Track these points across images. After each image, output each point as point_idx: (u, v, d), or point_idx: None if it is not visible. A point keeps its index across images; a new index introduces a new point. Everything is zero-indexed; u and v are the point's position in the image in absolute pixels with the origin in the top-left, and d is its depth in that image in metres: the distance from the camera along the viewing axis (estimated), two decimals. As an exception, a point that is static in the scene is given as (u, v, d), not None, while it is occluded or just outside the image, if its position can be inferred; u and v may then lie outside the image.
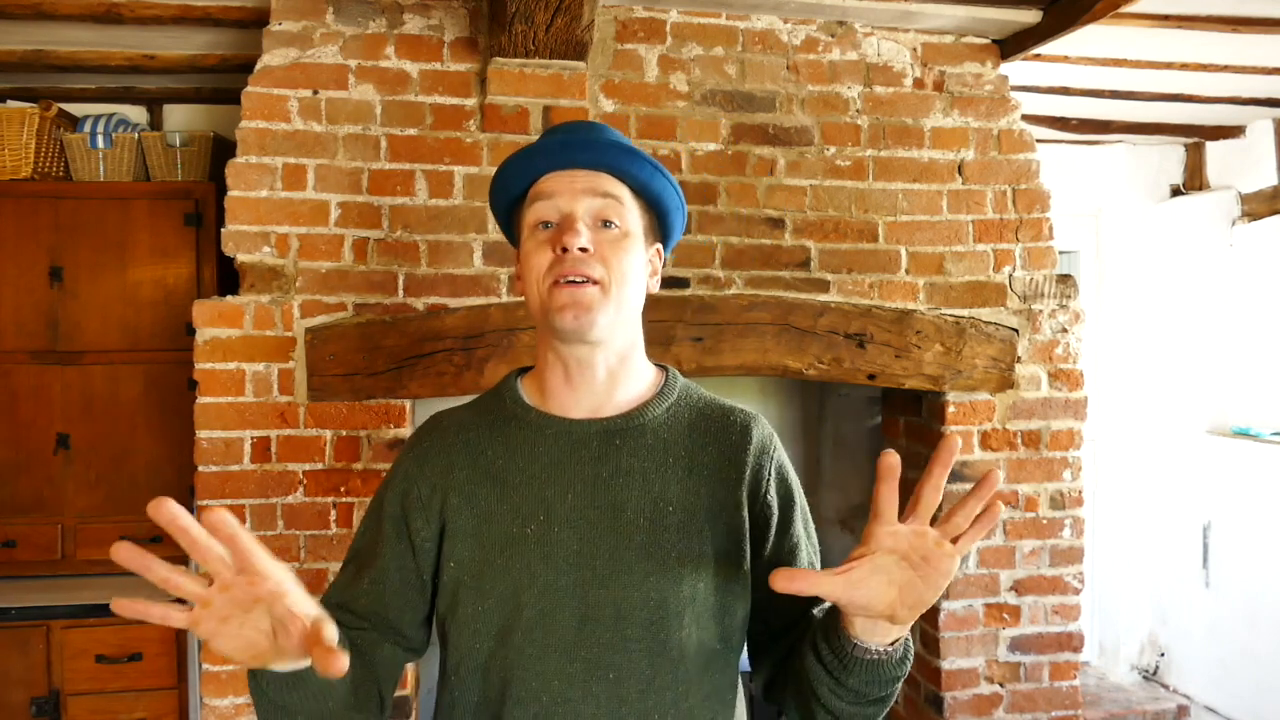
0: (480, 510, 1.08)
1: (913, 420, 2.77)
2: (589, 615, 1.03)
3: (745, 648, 1.16)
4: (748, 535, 1.10)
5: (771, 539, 1.11)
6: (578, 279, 1.04)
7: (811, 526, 1.19)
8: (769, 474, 1.13)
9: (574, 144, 1.09)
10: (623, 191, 1.10)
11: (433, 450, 1.13)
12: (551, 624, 1.03)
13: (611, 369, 1.11)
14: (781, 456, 1.17)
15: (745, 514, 1.10)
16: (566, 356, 1.09)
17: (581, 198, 1.08)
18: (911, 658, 0.99)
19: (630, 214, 1.10)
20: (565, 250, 1.04)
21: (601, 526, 1.05)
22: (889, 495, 0.89)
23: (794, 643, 1.09)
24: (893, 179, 2.56)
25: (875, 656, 0.95)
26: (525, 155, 1.11)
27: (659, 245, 1.18)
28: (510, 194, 1.14)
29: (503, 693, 1.04)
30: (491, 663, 1.05)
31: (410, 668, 2.35)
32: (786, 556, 1.12)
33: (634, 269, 1.09)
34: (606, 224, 1.08)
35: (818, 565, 1.16)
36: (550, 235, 1.07)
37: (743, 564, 1.09)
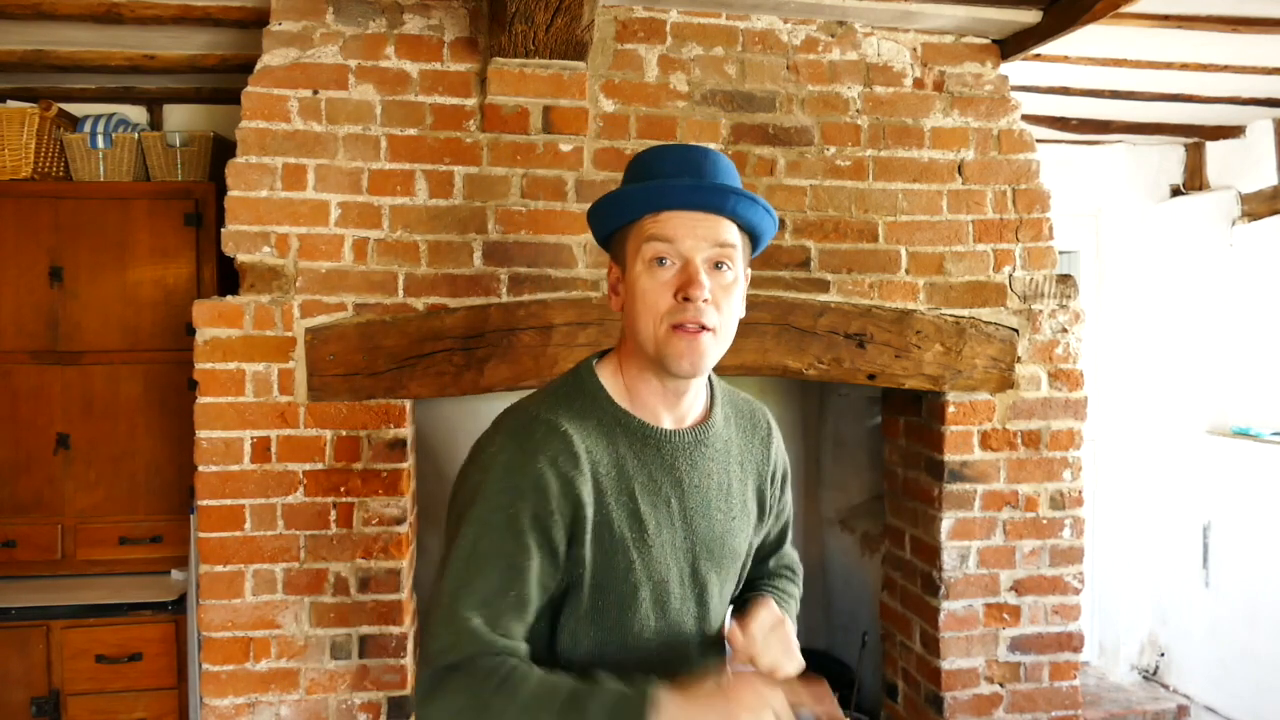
0: (602, 518, 1.15)
1: (913, 420, 2.77)
2: (685, 599, 1.23)
3: None
4: (767, 505, 1.37)
5: (774, 507, 1.39)
6: (695, 327, 1.13)
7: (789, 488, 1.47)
8: (776, 455, 1.38)
9: (702, 189, 1.15)
10: (736, 237, 1.18)
11: (561, 458, 1.13)
12: (660, 613, 1.20)
13: (696, 388, 1.25)
14: (779, 438, 1.42)
15: (767, 490, 1.36)
16: (666, 381, 1.20)
17: (702, 244, 1.14)
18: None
19: (739, 256, 1.19)
20: (688, 299, 1.12)
21: (697, 526, 1.23)
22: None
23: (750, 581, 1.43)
24: (893, 179, 2.56)
25: None
26: (653, 190, 1.15)
27: (748, 267, 1.26)
28: (627, 217, 1.18)
29: (623, 639, 1.19)
30: (604, 656, 1.17)
31: (410, 667, 2.35)
32: (778, 518, 1.43)
33: (739, 309, 1.20)
34: (719, 265, 1.16)
35: (789, 518, 1.48)
36: (672, 280, 1.14)
37: (761, 534, 1.38)
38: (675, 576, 1.20)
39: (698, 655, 1.24)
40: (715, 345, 1.16)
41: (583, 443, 1.15)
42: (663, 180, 1.16)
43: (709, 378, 1.29)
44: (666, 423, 1.22)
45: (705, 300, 1.12)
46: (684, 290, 1.12)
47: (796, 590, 1.47)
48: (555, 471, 1.11)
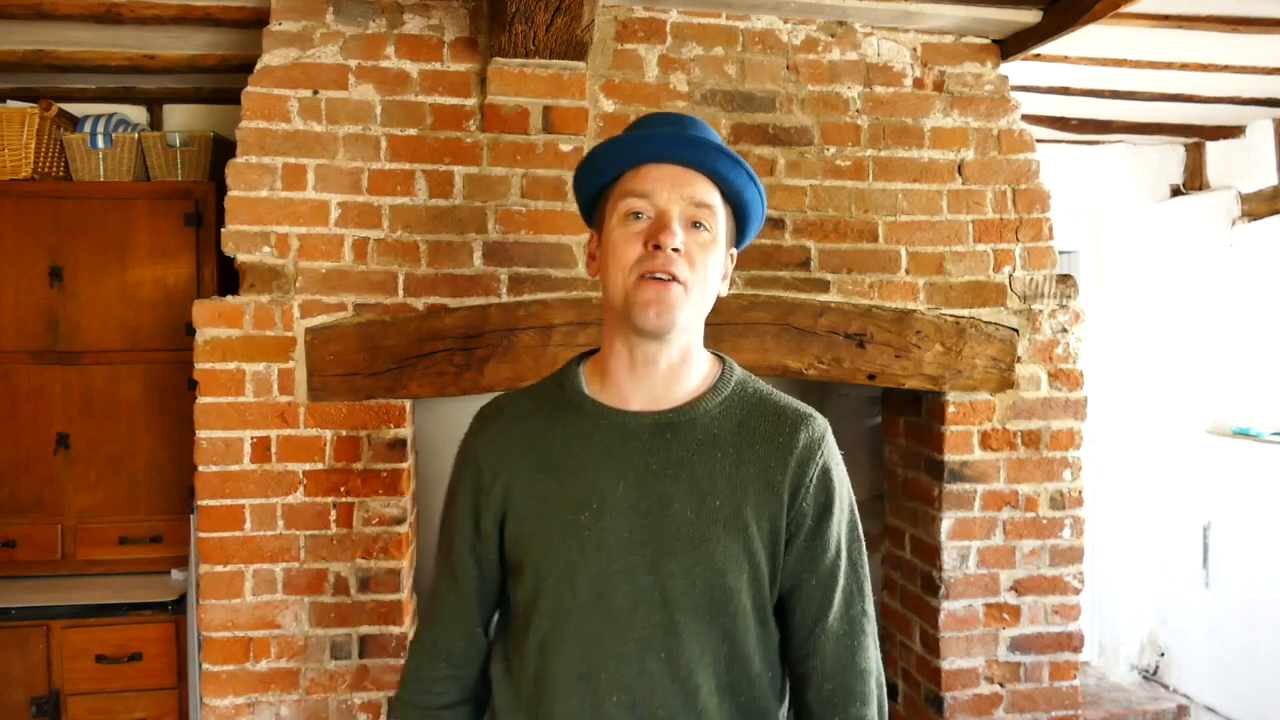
0: (538, 496, 1.14)
1: (913, 420, 2.77)
2: (640, 599, 1.09)
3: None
4: (784, 536, 1.12)
5: (798, 544, 1.13)
6: (665, 276, 1.08)
7: (858, 545, 1.18)
8: (811, 478, 1.14)
9: (679, 140, 1.12)
10: (716, 199, 1.14)
11: (497, 437, 1.19)
12: (606, 606, 1.09)
13: (673, 364, 1.15)
14: (829, 461, 1.16)
15: (784, 516, 1.12)
16: (634, 348, 1.14)
17: (679, 199, 1.11)
18: None
19: (719, 220, 1.14)
20: (658, 247, 1.08)
21: (651, 516, 1.10)
22: None
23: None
24: (893, 179, 2.56)
25: None
26: (630, 141, 1.13)
27: (733, 250, 1.22)
28: (607, 175, 1.16)
29: (560, 670, 1.10)
30: (548, 642, 1.11)
31: (410, 668, 2.35)
32: (808, 561, 1.13)
33: (715, 273, 1.14)
34: (697, 225, 1.12)
35: (840, 583, 1.15)
36: (644, 230, 1.10)
37: (766, 575, 1.12)
38: (622, 566, 1.09)
39: (663, 675, 1.09)
40: (686, 300, 1.09)
41: (521, 424, 1.18)
42: (641, 131, 1.15)
43: (726, 368, 1.21)
44: (634, 404, 1.15)
45: (677, 250, 1.08)
46: (654, 238, 1.08)
47: None
48: (489, 444, 1.19)
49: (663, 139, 1.12)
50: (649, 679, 1.08)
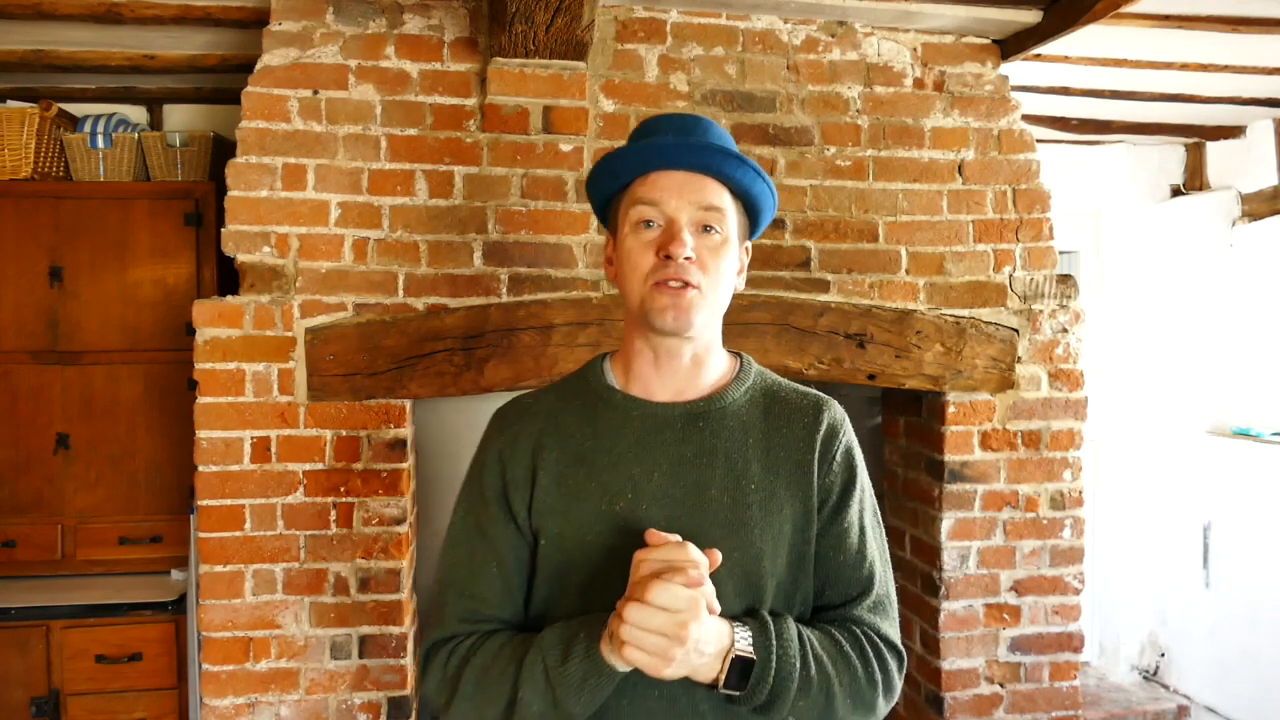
0: (570, 489, 1.15)
1: (913, 420, 2.77)
2: None
3: None
4: (815, 512, 1.16)
5: (824, 517, 1.17)
6: (678, 283, 1.11)
7: (876, 518, 1.23)
8: (836, 454, 1.19)
9: (684, 147, 1.14)
10: (725, 200, 1.16)
11: (523, 433, 1.19)
12: None
13: (695, 357, 1.19)
14: (850, 441, 1.22)
15: (815, 493, 1.17)
16: (657, 345, 1.17)
17: (687, 205, 1.13)
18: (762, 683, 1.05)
19: (729, 220, 1.16)
20: (670, 257, 1.11)
21: (687, 504, 1.13)
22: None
23: None
24: (893, 179, 2.56)
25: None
26: (637, 151, 1.15)
27: (747, 243, 1.24)
28: (616, 183, 1.19)
29: None
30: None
31: (411, 667, 2.35)
32: (834, 539, 1.17)
33: (728, 272, 1.17)
34: (707, 229, 1.14)
35: (873, 556, 1.19)
36: (656, 239, 1.13)
37: (811, 540, 1.16)
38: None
39: None
40: (703, 302, 1.13)
41: (550, 418, 1.20)
42: (649, 140, 1.16)
43: (744, 363, 1.25)
44: (661, 397, 1.19)
45: (688, 258, 1.11)
46: (665, 248, 1.12)
47: (848, 660, 1.11)
48: (513, 442, 1.19)
49: (668, 148, 1.14)
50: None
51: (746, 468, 1.15)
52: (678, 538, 1.03)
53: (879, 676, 1.13)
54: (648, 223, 1.14)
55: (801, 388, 1.26)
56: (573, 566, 1.13)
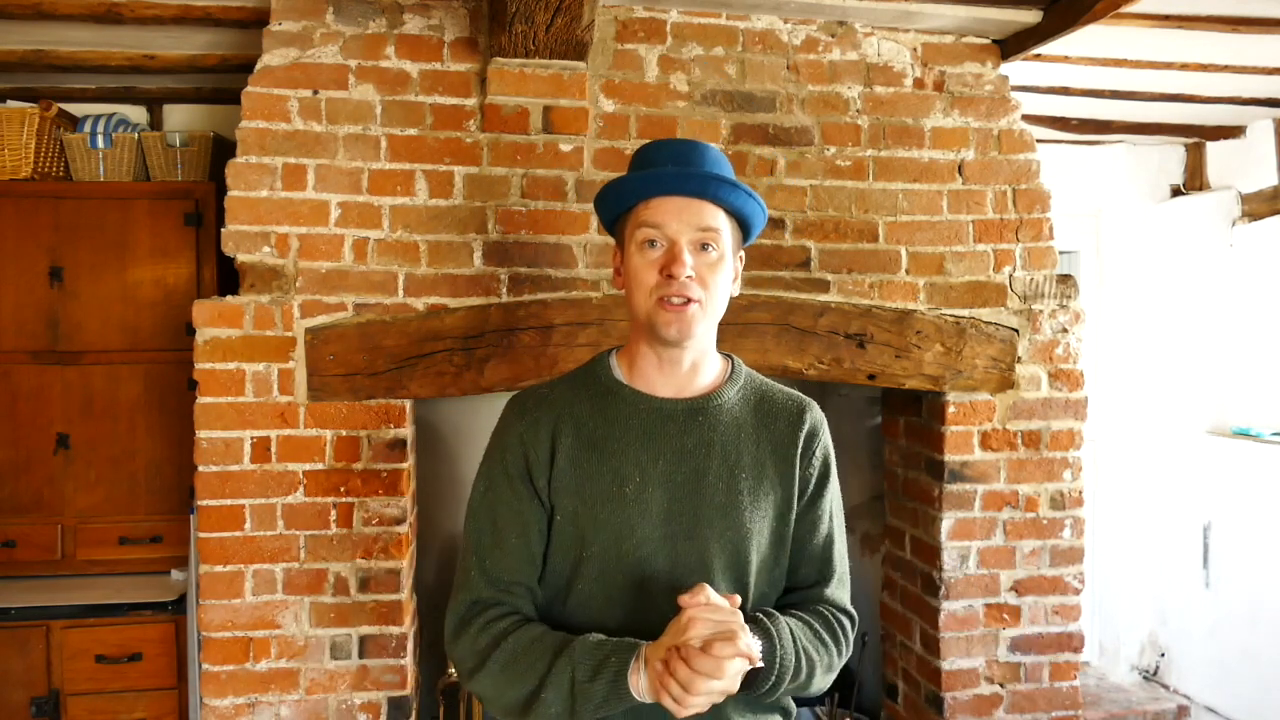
0: (584, 471, 1.29)
1: (913, 420, 2.77)
2: (679, 562, 1.27)
3: None
4: (795, 499, 1.34)
5: (803, 505, 1.36)
6: (680, 300, 1.26)
7: (839, 505, 1.43)
8: (815, 452, 1.38)
9: (685, 176, 1.28)
10: (720, 220, 1.30)
11: (543, 419, 1.33)
12: (648, 568, 1.27)
13: (694, 361, 1.35)
14: (827, 442, 1.41)
15: (796, 483, 1.35)
16: (659, 351, 1.32)
17: (686, 228, 1.27)
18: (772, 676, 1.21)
19: (724, 237, 1.31)
20: (672, 276, 1.25)
21: (688, 488, 1.29)
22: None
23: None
24: (893, 179, 2.56)
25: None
26: (642, 179, 1.29)
27: (740, 252, 1.39)
28: (623, 205, 1.33)
29: (603, 625, 1.25)
30: (593, 600, 1.28)
31: (410, 667, 2.35)
32: (809, 524, 1.37)
33: (725, 285, 1.32)
34: (705, 247, 1.29)
35: (838, 540, 1.40)
36: (659, 259, 1.28)
37: (790, 524, 1.34)
38: (664, 532, 1.27)
39: None
40: (702, 314, 1.28)
41: (566, 407, 1.33)
42: (652, 169, 1.30)
43: (735, 364, 1.40)
44: (663, 392, 1.34)
45: (689, 277, 1.26)
46: (668, 269, 1.26)
47: (824, 643, 1.31)
48: (534, 426, 1.32)
49: (669, 177, 1.28)
50: None
51: (739, 458, 1.32)
52: (722, 600, 1.17)
53: (843, 645, 1.35)
54: (652, 243, 1.28)
55: (787, 389, 1.42)
56: (584, 540, 1.28)
